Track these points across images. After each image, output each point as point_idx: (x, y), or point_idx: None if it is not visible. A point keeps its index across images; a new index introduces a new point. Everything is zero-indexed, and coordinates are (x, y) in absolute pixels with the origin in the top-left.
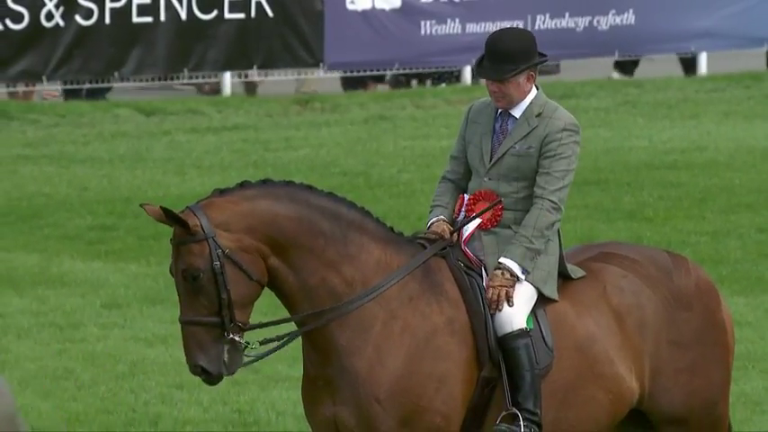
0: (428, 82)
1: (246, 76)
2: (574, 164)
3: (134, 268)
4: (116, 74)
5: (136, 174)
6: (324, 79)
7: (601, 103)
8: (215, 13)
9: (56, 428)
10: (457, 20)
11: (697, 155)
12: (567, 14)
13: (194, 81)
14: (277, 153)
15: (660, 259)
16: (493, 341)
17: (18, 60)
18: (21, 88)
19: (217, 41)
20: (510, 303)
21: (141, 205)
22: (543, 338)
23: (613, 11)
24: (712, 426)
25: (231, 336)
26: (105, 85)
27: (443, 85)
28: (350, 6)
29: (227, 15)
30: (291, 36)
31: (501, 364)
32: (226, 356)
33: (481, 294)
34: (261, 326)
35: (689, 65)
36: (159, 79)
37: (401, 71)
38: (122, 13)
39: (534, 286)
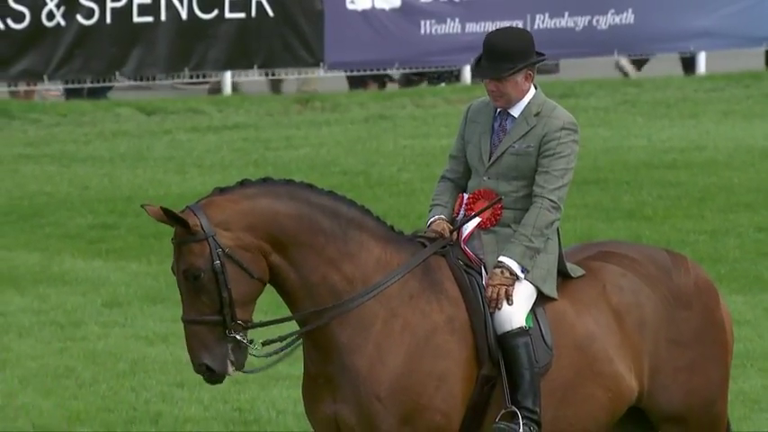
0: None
1: (273, 74)
2: (573, 162)
3: (135, 267)
4: (117, 73)
5: (137, 173)
6: (324, 78)
7: (600, 102)
8: (215, 12)
9: (57, 427)
10: (456, 19)
11: (696, 154)
12: (566, 14)
13: (197, 80)
14: (277, 152)
15: (659, 258)
16: (492, 339)
17: (19, 60)
18: (22, 87)
19: (217, 41)
20: (509, 302)
21: (142, 206)
22: (543, 337)
23: (613, 10)
24: (711, 424)
25: (234, 334)
26: (106, 84)
27: (443, 84)
28: (350, 6)
29: (228, 15)
30: (292, 36)
31: (500, 363)
32: (231, 355)
33: (481, 293)
34: (263, 324)
35: (688, 64)
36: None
37: (402, 70)
38: (123, 13)
39: (534, 285)
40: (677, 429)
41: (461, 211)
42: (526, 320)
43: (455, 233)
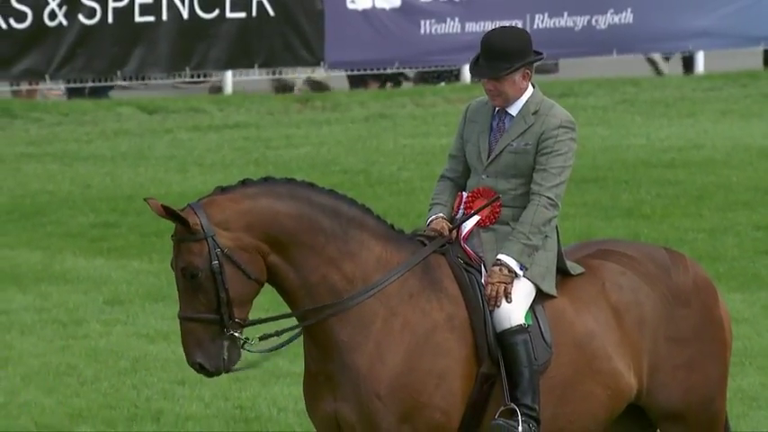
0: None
1: (281, 73)
2: (570, 160)
3: (136, 265)
4: (119, 72)
5: (138, 171)
6: (325, 77)
7: (599, 101)
8: (216, 12)
9: (59, 424)
10: (456, 19)
11: (694, 153)
12: (565, 14)
13: (197, 80)
14: (278, 151)
15: (658, 256)
16: (492, 337)
17: (21, 59)
18: (24, 87)
19: (218, 40)
20: (508, 299)
21: (145, 199)
22: (542, 335)
23: (612, 10)
24: (710, 421)
25: (231, 332)
26: (108, 83)
27: (443, 83)
28: (350, 6)
29: (229, 15)
30: (292, 35)
31: (500, 361)
32: (225, 353)
33: (480, 291)
34: (260, 322)
35: (686, 64)
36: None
37: (413, 69)
38: (125, 13)
39: (533, 282)
40: (676, 427)
41: (460, 210)
42: (525, 318)
43: (454, 231)
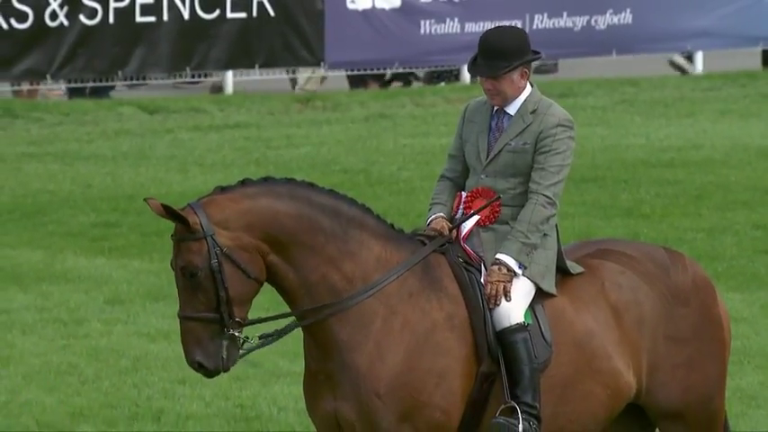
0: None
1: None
2: (569, 159)
3: (137, 264)
4: (119, 73)
5: (139, 171)
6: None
7: (598, 101)
8: (217, 12)
9: (60, 423)
10: (456, 19)
11: (693, 153)
12: (564, 14)
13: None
14: (278, 151)
15: (657, 256)
16: (492, 336)
17: (22, 59)
18: (25, 87)
19: (219, 41)
20: (508, 298)
21: (145, 199)
22: (542, 333)
23: (611, 10)
24: (708, 420)
25: (230, 331)
26: (109, 83)
27: (443, 83)
28: (350, 6)
29: (230, 15)
30: (293, 35)
31: (500, 359)
32: (224, 352)
33: (480, 290)
34: (260, 321)
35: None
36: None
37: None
38: (126, 13)
39: (532, 281)
40: (675, 426)
41: (460, 210)
42: (525, 317)
43: (454, 231)
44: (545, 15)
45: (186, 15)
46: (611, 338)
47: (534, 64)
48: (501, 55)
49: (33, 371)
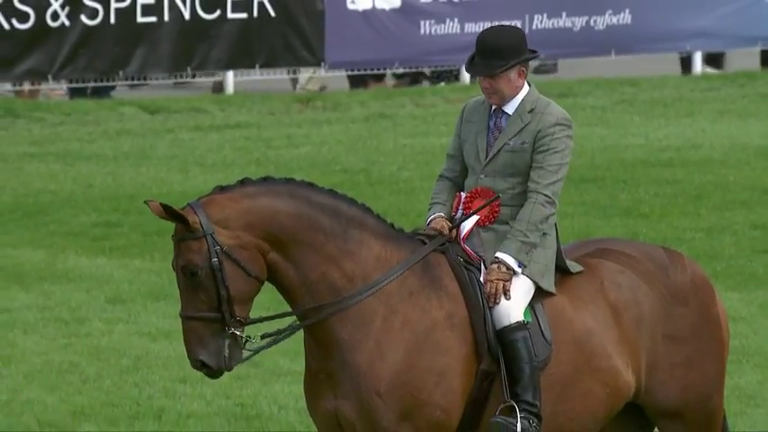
0: (425, 81)
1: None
2: (567, 158)
3: (138, 264)
4: (121, 73)
5: (140, 171)
6: (325, 78)
7: (597, 101)
8: (218, 13)
9: (61, 422)
10: (456, 20)
11: (692, 152)
12: (564, 14)
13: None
14: (279, 151)
15: (656, 255)
16: (492, 335)
17: (24, 59)
18: (26, 87)
19: (220, 41)
20: (507, 297)
21: (145, 201)
22: (541, 332)
23: (610, 11)
24: (707, 419)
25: (232, 330)
26: (110, 83)
27: (442, 83)
28: (350, 6)
29: (230, 15)
30: (293, 35)
31: (500, 358)
32: (227, 351)
33: (480, 289)
34: (261, 320)
35: (684, 64)
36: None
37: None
38: (127, 13)
39: (532, 280)
40: (674, 424)
41: (459, 210)
42: (525, 315)
43: (454, 230)
44: (544, 16)
45: (187, 15)
46: (611, 337)
47: (534, 64)
48: (498, 54)
49: (35, 370)
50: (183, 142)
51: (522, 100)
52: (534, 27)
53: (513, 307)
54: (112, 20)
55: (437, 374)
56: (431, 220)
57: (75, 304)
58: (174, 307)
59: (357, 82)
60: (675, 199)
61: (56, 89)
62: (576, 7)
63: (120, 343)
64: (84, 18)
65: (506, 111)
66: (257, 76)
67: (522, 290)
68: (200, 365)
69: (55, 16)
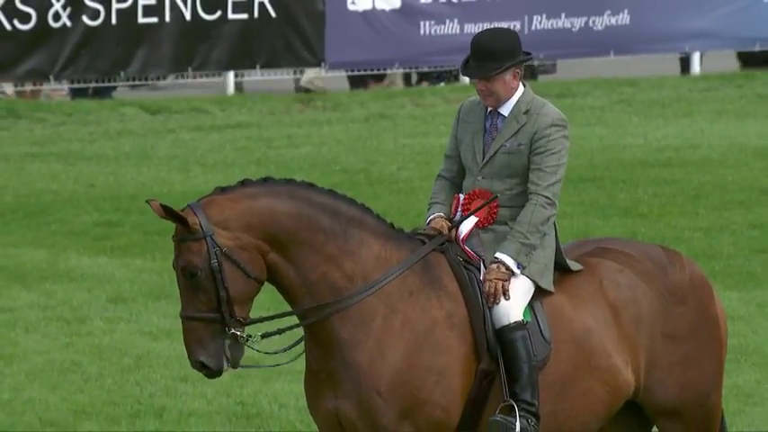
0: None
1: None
2: (564, 158)
3: (139, 263)
4: (122, 73)
5: (141, 171)
6: (325, 78)
7: (596, 101)
8: (219, 13)
9: (63, 420)
10: (455, 20)
11: (691, 152)
12: (563, 15)
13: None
14: (279, 151)
15: (655, 255)
16: (491, 334)
17: (26, 60)
18: (28, 87)
19: (220, 41)
20: (506, 297)
21: (147, 201)
22: (540, 331)
23: (609, 11)
24: (705, 417)
25: (232, 331)
26: (111, 84)
27: (442, 84)
28: (351, 7)
29: (231, 16)
30: (293, 36)
31: (499, 357)
32: (228, 351)
33: (480, 288)
34: (261, 320)
35: (683, 64)
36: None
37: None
38: (128, 14)
39: (531, 279)
40: (672, 423)
41: (458, 212)
42: (524, 315)
43: (453, 230)
44: (543, 16)
45: (188, 16)
46: (610, 336)
47: (533, 64)
48: (493, 56)
49: (37, 369)
50: (184, 142)
51: (518, 101)
52: (533, 28)
53: (513, 306)
54: (114, 20)
55: (437, 373)
56: (430, 220)
57: (76, 303)
58: (175, 306)
59: (357, 82)
60: (674, 199)
61: (57, 89)
62: (575, 8)
63: (121, 342)
64: (85, 19)
65: (502, 112)
66: (258, 76)
67: (521, 289)
68: (199, 366)
69: (56, 17)
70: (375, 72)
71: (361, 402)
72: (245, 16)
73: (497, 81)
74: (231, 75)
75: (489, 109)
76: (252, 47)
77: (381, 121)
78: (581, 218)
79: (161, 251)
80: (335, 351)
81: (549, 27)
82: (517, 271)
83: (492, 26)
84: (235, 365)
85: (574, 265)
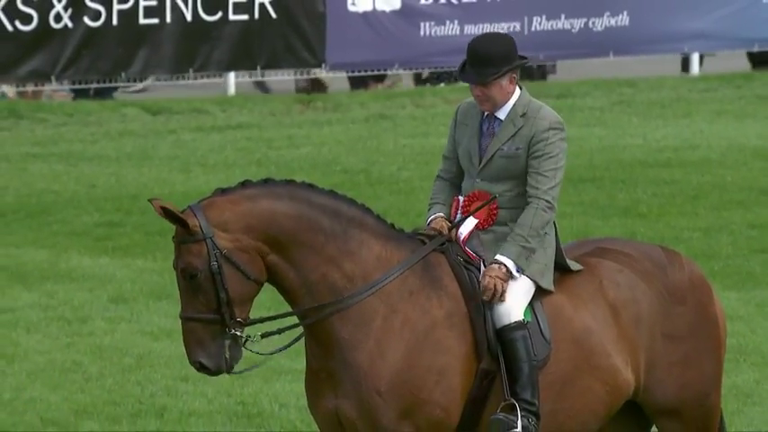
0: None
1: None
2: (562, 161)
3: (140, 264)
4: (123, 74)
5: (142, 171)
6: (325, 78)
7: (596, 102)
8: (219, 14)
9: (64, 420)
10: (455, 21)
11: (690, 153)
12: (562, 16)
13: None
14: (280, 151)
15: (654, 255)
16: (491, 334)
17: (27, 61)
18: (30, 88)
19: (221, 42)
20: (502, 298)
21: (149, 200)
22: (541, 331)
23: (608, 12)
24: (704, 416)
25: (232, 331)
26: (113, 84)
27: (442, 84)
28: (351, 8)
29: (232, 17)
30: (294, 37)
31: (499, 356)
32: (227, 352)
33: (479, 288)
34: (261, 320)
35: (684, 65)
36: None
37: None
38: (129, 15)
39: (531, 279)
40: (672, 422)
41: (458, 214)
42: (524, 314)
43: (454, 231)
44: (543, 17)
45: (189, 17)
46: (610, 336)
47: (532, 66)
48: (489, 62)
49: (38, 368)
50: (185, 143)
51: (514, 104)
52: (533, 29)
53: (514, 306)
54: (115, 21)
55: (437, 373)
56: (431, 220)
57: (77, 303)
58: (175, 306)
59: (357, 83)
60: (673, 199)
61: (59, 90)
62: (575, 9)
63: (122, 342)
64: (86, 20)
65: (498, 116)
66: (258, 77)
67: (522, 289)
68: (199, 367)
69: (58, 18)
70: (375, 72)
71: (362, 402)
72: (245, 17)
73: (494, 86)
74: (232, 75)
75: (486, 112)
76: (252, 48)
77: (381, 121)
78: (581, 218)
79: (162, 251)
80: (336, 351)
81: (549, 28)
82: (517, 274)
83: (492, 27)
84: (234, 365)
85: (574, 265)
